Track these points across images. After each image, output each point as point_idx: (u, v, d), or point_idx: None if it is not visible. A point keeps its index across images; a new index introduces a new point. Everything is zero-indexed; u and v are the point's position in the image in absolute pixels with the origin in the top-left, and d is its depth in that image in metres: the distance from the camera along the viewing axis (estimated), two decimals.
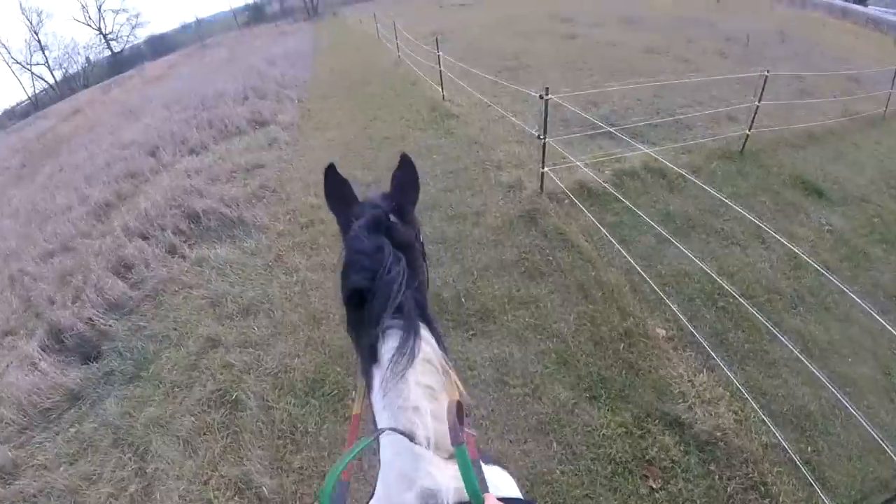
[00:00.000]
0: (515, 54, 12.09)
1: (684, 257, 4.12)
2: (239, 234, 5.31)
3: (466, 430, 0.81)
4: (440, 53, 8.36)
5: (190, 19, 61.95)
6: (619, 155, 6.15)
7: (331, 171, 1.09)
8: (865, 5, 26.09)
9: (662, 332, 3.73)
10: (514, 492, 0.96)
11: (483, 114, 7.93)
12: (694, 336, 3.58)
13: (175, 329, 4.18)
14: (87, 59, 51.35)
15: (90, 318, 4.38)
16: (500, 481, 0.95)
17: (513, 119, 6.85)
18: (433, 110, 8.23)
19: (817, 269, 3.62)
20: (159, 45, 53.73)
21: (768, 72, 6.26)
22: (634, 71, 10.29)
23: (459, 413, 0.80)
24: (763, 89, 6.24)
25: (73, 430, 3.42)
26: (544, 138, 5.10)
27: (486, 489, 0.74)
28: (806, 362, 3.11)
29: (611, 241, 4.50)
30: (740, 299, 3.59)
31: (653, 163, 5.96)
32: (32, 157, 16.52)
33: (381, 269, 0.82)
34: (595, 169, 5.69)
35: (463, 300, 3.99)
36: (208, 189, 6.27)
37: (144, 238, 5.65)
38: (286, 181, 6.30)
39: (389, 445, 0.82)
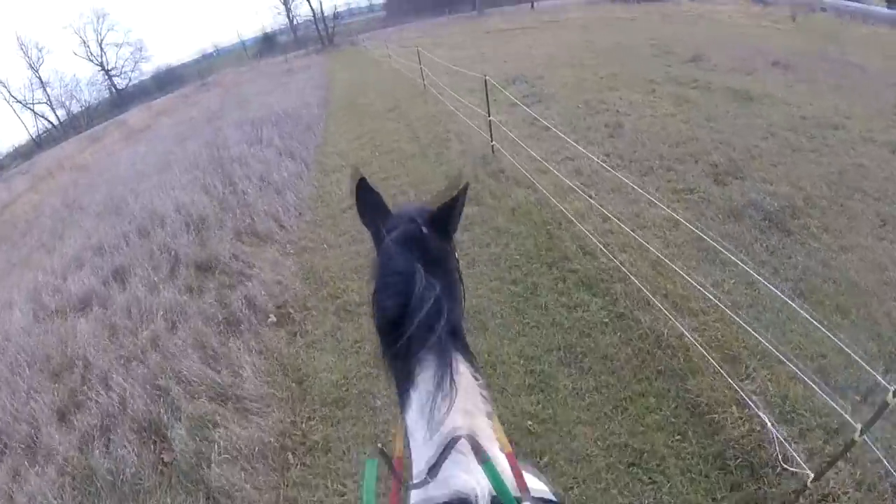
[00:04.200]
0: (725, 158, 5.69)
1: None
2: None
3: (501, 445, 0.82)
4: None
5: (209, 48, 56.57)
6: None
7: (362, 184, 0.96)
8: None
9: None
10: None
11: None
12: None
13: None
14: (112, 89, 46.06)
15: None
16: (532, 485, 0.85)
17: None
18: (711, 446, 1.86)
19: None
20: (165, 79, 48.88)
21: None
22: None
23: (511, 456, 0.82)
24: None
25: None
26: None
27: (528, 498, 0.74)
28: None
29: None
30: None
31: None
32: None
33: (414, 298, 0.76)
34: None
35: None
36: None
37: None
38: None
39: (426, 453, 0.76)
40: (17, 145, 44.73)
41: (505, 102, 8.32)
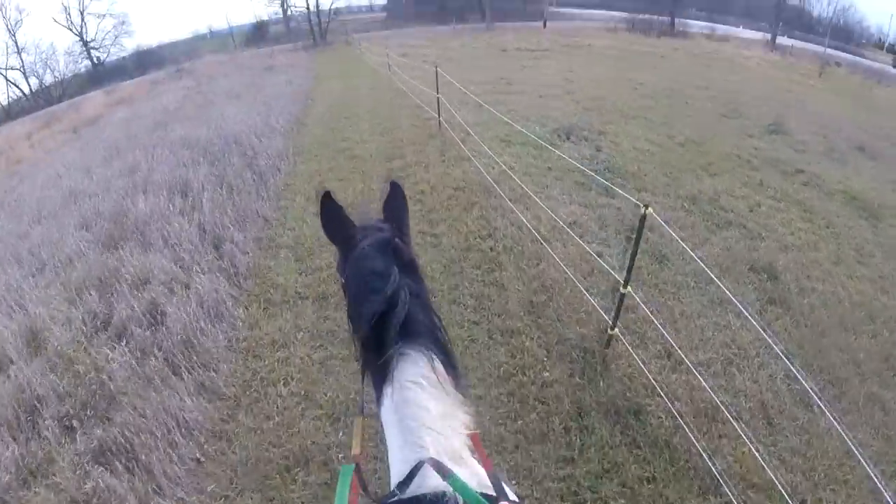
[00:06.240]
0: None
1: None
2: None
3: (475, 446, 0.79)
4: None
5: (204, 30, 52.71)
6: None
7: (326, 199, 0.95)
8: None
9: None
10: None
11: None
12: None
13: None
14: (90, 63, 40.94)
15: None
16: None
17: None
18: None
19: None
20: (147, 59, 44.56)
21: None
22: None
23: (477, 444, 0.79)
24: None
25: None
26: None
27: (504, 496, 0.71)
28: None
29: None
30: None
31: None
32: None
33: (395, 293, 0.78)
34: None
35: None
36: None
37: None
38: None
39: (401, 461, 0.75)
40: None
41: (568, 176, 5.47)
